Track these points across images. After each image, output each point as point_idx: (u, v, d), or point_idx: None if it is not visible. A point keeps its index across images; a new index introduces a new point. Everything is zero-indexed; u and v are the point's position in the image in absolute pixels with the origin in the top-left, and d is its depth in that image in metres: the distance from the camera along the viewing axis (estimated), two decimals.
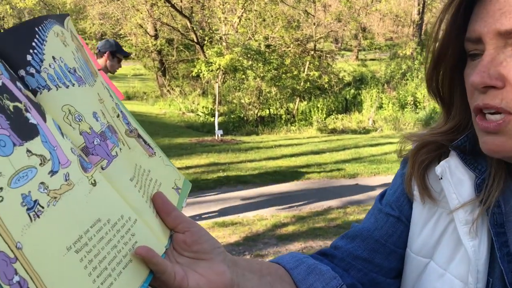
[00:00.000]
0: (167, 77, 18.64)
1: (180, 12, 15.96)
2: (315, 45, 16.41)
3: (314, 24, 16.26)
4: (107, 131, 0.60)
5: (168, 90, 17.72)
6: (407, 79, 17.11)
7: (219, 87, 12.36)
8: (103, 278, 0.50)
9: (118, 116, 0.66)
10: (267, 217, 5.21)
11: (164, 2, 15.89)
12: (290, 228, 4.84)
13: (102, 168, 0.56)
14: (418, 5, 23.31)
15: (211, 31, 17.08)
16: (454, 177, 0.70)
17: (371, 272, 0.82)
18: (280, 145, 10.14)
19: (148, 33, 18.00)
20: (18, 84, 0.49)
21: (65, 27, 0.62)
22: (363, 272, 0.82)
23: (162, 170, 0.71)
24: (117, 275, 0.52)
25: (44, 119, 0.50)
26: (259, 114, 14.67)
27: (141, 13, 16.94)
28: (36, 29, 0.54)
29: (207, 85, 17.20)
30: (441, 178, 0.71)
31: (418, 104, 15.35)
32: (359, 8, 18.16)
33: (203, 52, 16.32)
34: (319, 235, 4.63)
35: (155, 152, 0.72)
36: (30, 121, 0.47)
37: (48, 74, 0.53)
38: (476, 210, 0.68)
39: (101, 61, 3.77)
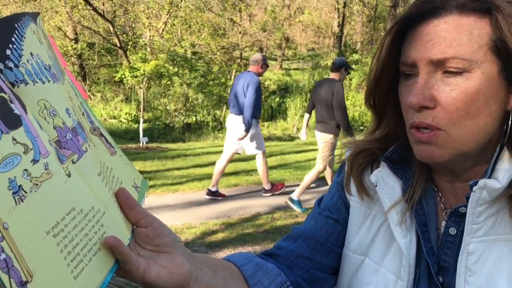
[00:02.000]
0: (88, 82, 17.93)
1: (102, 16, 15.46)
2: (241, 54, 16.60)
3: (240, 32, 16.45)
4: (78, 127, 0.63)
5: (88, 96, 17.05)
6: None
7: (143, 93, 12.09)
8: (76, 263, 0.53)
9: (83, 114, 0.68)
10: (196, 225, 5.16)
11: (85, 5, 15.31)
12: (220, 235, 4.83)
13: (73, 162, 0.59)
14: (338, 17, 24.33)
15: (135, 36, 16.70)
16: (386, 185, 0.81)
17: (312, 269, 0.90)
18: (207, 152, 10.09)
19: (67, 36, 17.23)
20: (2, 76, 0.51)
21: (38, 25, 0.62)
22: (305, 269, 0.90)
23: (123, 168, 0.74)
24: (88, 261, 0.56)
25: (25, 111, 0.52)
26: (185, 121, 14.53)
27: (60, 16, 16.19)
28: (16, 25, 0.55)
29: (130, 91, 16.77)
30: (376, 186, 0.82)
31: None
32: (283, 19, 18.66)
33: (127, 57, 15.90)
34: (248, 241, 4.66)
35: (116, 151, 0.74)
36: (14, 112, 0.50)
37: (26, 69, 0.55)
38: (404, 211, 0.79)
39: None
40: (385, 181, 0.82)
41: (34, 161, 0.50)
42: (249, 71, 5.87)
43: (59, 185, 0.54)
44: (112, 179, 0.68)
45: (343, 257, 0.91)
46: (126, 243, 0.63)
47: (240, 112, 5.78)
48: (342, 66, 5.59)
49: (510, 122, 0.73)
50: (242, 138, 5.80)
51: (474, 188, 0.71)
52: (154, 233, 0.66)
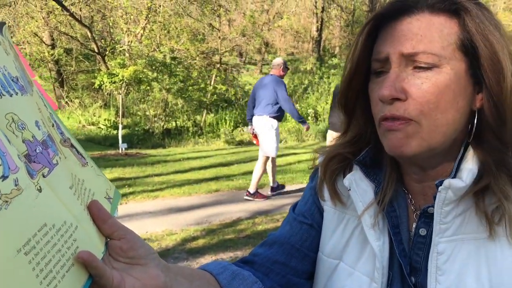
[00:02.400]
0: (66, 88, 17.69)
1: (79, 21, 15.26)
2: (220, 59, 16.57)
3: (219, 37, 16.43)
4: (48, 140, 0.62)
5: (66, 102, 16.81)
6: (308, 93, 17.87)
7: (122, 99, 11.98)
8: (49, 280, 0.52)
9: (53, 125, 0.67)
10: (177, 231, 5.12)
11: (62, 11, 15.11)
12: (200, 242, 4.80)
13: (44, 176, 0.58)
14: (317, 22, 24.52)
15: (113, 41, 16.54)
16: (359, 188, 0.83)
17: (288, 275, 0.91)
18: (188, 158, 10.04)
19: (44, 42, 16.97)
20: None
21: (4, 35, 0.61)
22: (281, 275, 0.91)
23: (95, 180, 0.72)
24: (61, 278, 0.54)
25: None
26: (165, 126, 14.43)
27: (36, 21, 15.94)
28: None
29: (109, 97, 16.59)
30: (349, 189, 0.83)
31: (318, 116, 16.09)
32: (262, 24, 18.70)
33: (105, 63, 15.74)
34: (230, 247, 4.64)
35: (87, 162, 0.73)
36: None
37: None
38: (377, 214, 0.81)
39: None
40: (358, 185, 0.83)
41: (3, 177, 0.49)
42: (271, 75, 6.21)
43: (30, 201, 0.53)
44: (84, 191, 0.67)
45: (318, 261, 0.92)
46: (99, 257, 0.62)
47: (263, 112, 6.09)
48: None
49: (475, 121, 0.75)
50: (270, 137, 6.09)
51: (439, 189, 0.73)
52: (128, 245, 0.66)
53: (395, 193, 0.84)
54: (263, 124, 6.16)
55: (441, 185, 0.73)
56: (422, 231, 0.79)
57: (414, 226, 0.81)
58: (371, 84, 0.79)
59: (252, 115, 6.35)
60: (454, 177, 0.75)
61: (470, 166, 0.74)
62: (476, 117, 0.75)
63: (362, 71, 0.80)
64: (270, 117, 6.11)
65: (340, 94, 0.84)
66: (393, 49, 0.73)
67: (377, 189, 0.83)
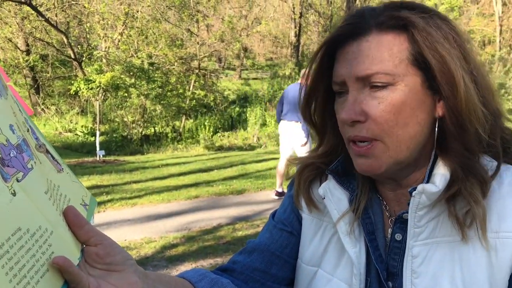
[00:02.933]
0: (41, 95, 17.39)
1: (55, 27, 15.03)
2: (199, 64, 16.52)
3: (198, 43, 16.39)
4: (23, 144, 0.61)
5: (42, 109, 16.53)
6: None
7: (99, 105, 11.83)
8: (23, 285, 0.51)
9: (28, 130, 0.66)
10: (156, 239, 5.06)
11: (37, 16, 14.87)
12: (180, 249, 4.75)
13: (18, 180, 0.57)
14: (295, 27, 24.68)
15: (90, 47, 16.34)
16: (334, 197, 0.85)
17: (267, 282, 0.91)
18: (167, 164, 9.95)
19: (18, 48, 16.67)
20: None
21: None
22: (261, 282, 0.91)
23: (70, 186, 0.71)
24: (35, 284, 0.54)
25: None
26: (143, 132, 14.30)
27: (11, 27, 15.66)
28: None
29: (86, 103, 16.37)
30: (324, 198, 0.85)
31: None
32: (240, 29, 18.72)
33: (82, 69, 15.54)
34: (210, 253, 4.60)
35: (63, 168, 0.72)
36: None
37: None
38: (352, 221, 0.83)
39: None
40: (332, 193, 0.85)
41: None
42: (299, 83, 6.46)
43: (4, 204, 0.52)
44: (60, 197, 0.66)
45: (297, 269, 0.92)
46: (75, 263, 0.61)
47: (292, 118, 6.40)
48: None
49: (437, 129, 0.77)
50: (306, 143, 6.36)
51: (413, 194, 0.75)
52: (105, 252, 0.64)
53: (370, 200, 0.85)
54: (292, 130, 6.48)
55: (414, 191, 0.75)
56: (398, 236, 0.81)
57: (390, 231, 0.83)
58: (336, 105, 0.81)
59: (280, 120, 6.71)
60: (427, 182, 0.77)
61: (442, 171, 0.76)
62: (437, 125, 0.77)
63: (321, 92, 0.84)
64: (296, 122, 6.43)
65: (302, 114, 0.88)
66: (347, 73, 0.76)
67: (351, 197, 0.84)
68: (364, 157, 0.77)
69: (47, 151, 0.70)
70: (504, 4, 24.40)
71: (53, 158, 0.70)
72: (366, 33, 0.75)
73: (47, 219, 0.59)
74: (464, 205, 0.74)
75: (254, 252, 0.93)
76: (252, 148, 13.71)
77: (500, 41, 23.50)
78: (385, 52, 0.74)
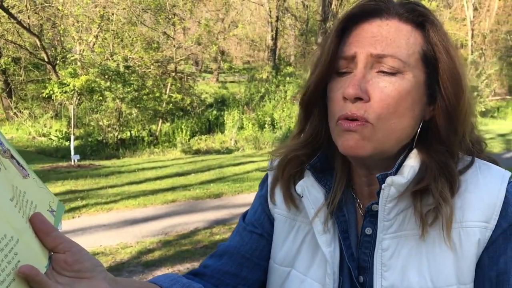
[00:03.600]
0: (14, 98, 17.03)
1: (28, 30, 14.74)
2: (176, 67, 16.43)
3: (174, 46, 16.29)
4: None
5: (15, 113, 16.18)
6: (265, 101, 17.98)
7: (74, 109, 11.63)
8: None
9: None
10: (132, 244, 4.99)
11: (8, 18, 14.55)
12: (157, 254, 4.70)
13: None
14: (272, 31, 24.77)
15: (64, 50, 16.07)
16: (311, 195, 0.84)
17: (239, 285, 0.91)
18: (143, 168, 9.85)
19: None
20: None
21: None
22: (231, 285, 0.90)
23: (37, 192, 0.70)
24: None
25: None
26: (119, 136, 14.12)
27: None
28: None
29: (60, 107, 16.09)
30: (302, 196, 0.84)
31: (275, 124, 16.19)
32: (217, 32, 18.71)
33: (56, 72, 15.27)
34: (187, 258, 4.57)
35: (28, 174, 0.70)
36: None
37: None
38: (327, 219, 0.83)
39: None
40: (310, 192, 0.84)
41: None
42: None
43: None
44: (26, 203, 0.64)
45: (270, 270, 0.92)
46: (42, 271, 0.60)
47: None
48: None
49: (419, 128, 0.78)
50: None
51: (383, 186, 0.75)
52: (74, 258, 0.63)
53: (345, 198, 0.85)
54: None
55: (383, 182, 0.75)
56: (368, 230, 0.82)
57: (360, 227, 0.83)
58: (332, 83, 0.78)
59: None
60: (396, 173, 0.77)
61: (411, 163, 0.76)
62: (420, 126, 0.78)
63: (329, 70, 0.79)
64: None
65: (308, 95, 0.83)
66: (362, 49, 0.74)
67: (327, 193, 0.84)
68: (353, 133, 0.74)
69: (12, 157, 0.68)
70: (475, 9, 24.99)
71: (19, 163, 0.69)
72: (388, 17, 0.76)
73: (13, 227, 0.58)
74: (430, 202, 0.75)
75: (225, 256, 0.92)
76: (229, 151, 13.69)
77: (472, 45, 24.05)
78: (402, 40, 0.74)
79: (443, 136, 0.76)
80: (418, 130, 0.78)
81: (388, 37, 0.74)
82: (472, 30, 24.28)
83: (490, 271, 0.75)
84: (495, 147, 12.08)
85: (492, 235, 0.75)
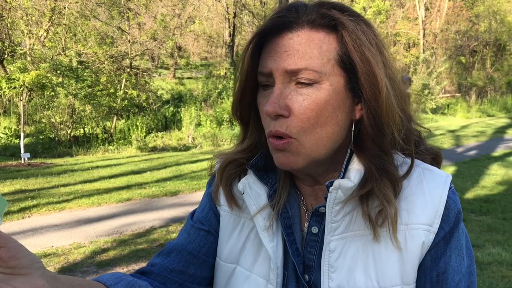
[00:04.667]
0: None
1: None
2: (131, 63, 16.10)
3: (129, 41, 15.96)
4: None
5: None
6: (223, 98, 17.93)
7: (24, 105, 11.20)
8: None
9: None
10: (85, 244, 4.87)
11: None
12: (111, 253, 4.60)
13: None
14: (229, 27, 24.71)
15: (12, 44, 15.43)
16: (253, 192, 0.85)
17: (186, 282, 0.91)
18: (97, 166, 9.61)
19: None
20: None
21: None
22: (179, 283, 0.90)
23: None
24: None
25: None
26: (72, 134, 13.71)
27: None
28: None
29: (9, 104, 15.46)
30: (243, 193, 0.85)
31: (233, 121, 16.16)
32: (174, 28, 18.46)
33: (3, 67, 14.65)
34: (142, 257, 4.49)
35: None
36: None
37: None
38: (270, 216, 0.84)
39: None
40: (251, 188, 0.85)
41: None
42: None
43: None
44: None
45: (216, 267, 0.92)
46: None
47: None
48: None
49: (353, 130, 0.80)
50: None
51: (330, 189, 0.77)
52: (9, 254, 0.61)
53: (288, 195, 0.86)
54: None
55: (331, 186, 0.76)
56: (314, 229, 0.83)
57: (306, 225, 0.85)
58: (259, 97, 0.81)
59: None
60: (343, 177, 0.79)
61: (357, 167, 0.78)
62: (354, 127, 0.80)
63: (251, 85, 0.81)
64: None
65: (233, 109, 0.86)
66: (276, 65, 0.75)
67: (270, 191, 0.85)
68: (281, 152, 0.77)
69: None
70: (426, 9, 25.82)
71: None
72: (298, 28, 0.75)
73: None
74: (377, 204, 0.77)
75: (172, 253, 0.92)
76: (187, 148, 13.57)
77: (423, 44, 24.85)
78: (314, 49, 0.74)
79: (373, 136, 0.78)
80: (353, 131, 0.80)
81: (299, 49, 0.74)
82: (424, 29, 25.09)
83: (432, 272, 0.79)
84: (445, 142, 12.54)
85: (435, 238, 0.78)
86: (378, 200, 0.77)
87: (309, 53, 0.74)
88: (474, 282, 0.81)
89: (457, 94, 22.65)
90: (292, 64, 0.74)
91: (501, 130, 15.15)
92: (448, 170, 8.66)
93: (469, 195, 6.83)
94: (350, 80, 0.76)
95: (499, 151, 11.03)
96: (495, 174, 8.29)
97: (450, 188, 0.81)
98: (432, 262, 0.79)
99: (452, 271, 0.79)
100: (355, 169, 0.78)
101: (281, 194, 0.85)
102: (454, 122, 17.32)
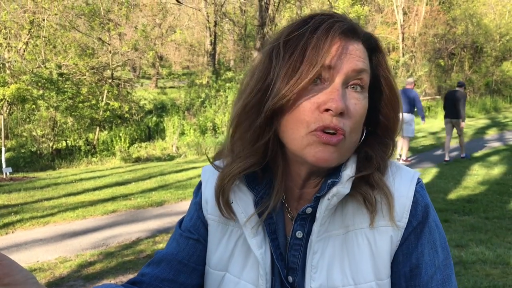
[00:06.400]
0: None
1: None
2: (112, 74, 16.02)
3: (110, 52, 15.88)
4: None
5: None
6: (206, 106, 17.91)
7: (4, 119, 11.05)
8: None
9: None
10: (71, 258, 4.81)
11: None
12: (98, 266, 4.56)
13: None
14: (210, 36, 24.74)
15: None
16: (241, 200, 0.86)
17: None
18: (81, 179, 9.52)
19: None
20: None
21: None
22: None
23: None
24: None
25: None
26: (54, 146, 13.56)
27: None
28: None
29: None
30: (232, 202, 0.86)
31: (217, 129, 16.17)
32: (155, 38, 18.44)
33: None
34: (129, 269, 4.46)
35: None
36: None
37: None
38: (258, 223, 0.85)
39: None
40: (239, 197, 0.86)
41: None
42: (407, 88, 9.92)
43: None
44: None
45: (206, 274, 0.93)
46: None
47: (407, 110, 9.66)
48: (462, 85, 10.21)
49: (362, 138, 0.84)
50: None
51: (328, 196, 0.79)
52: (3, 272, 0.62)
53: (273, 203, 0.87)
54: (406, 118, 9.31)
55: (327, 186, 0.79)
56: (299, 234, 0.84)
57: (291, 231, 0.86)
58: (307, 92, 0.77)
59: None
60: (335, 179, 0.81)
61: (349, 173, 0.81)
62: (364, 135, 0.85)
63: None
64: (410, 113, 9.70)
65: (278, 105, 0.78)
66: (342, 63, 0.76)
67: (256, 198, 0.86)
68: (329, 147, 0.76)
69: None
70: (404, 14, 26.21)
71: None
72: (358, 38, 0.80)
73: None
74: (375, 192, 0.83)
75: (162, 263, 0.93)
76: (171, 158, 13.51)
77: (403, 48, 25.20)
78: (366, 60, 0.80)
79: (381, 148, 0.85)
80: (361, 139, 0.84)
81: (361, 56, 0.79)
82: (403, 33, 25.45)
83: (404, 267, 0.82)
84: (427, 144, 12.71)
85: (404, 233, 0.81)
86: (355, 200, 0.82)
87: (365, 61, 0.80)
88: (451, 275, 0.83)
89: (437, 97, 22.96)
90: (360, 65, 0.78)
91: (481, 131, 15.42)
92: (430, 172, 8.78)
93: (452, 195, 6.94)
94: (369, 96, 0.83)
95: (480, 151, 11.23)
96: (476, 175, 8.43)
97: (418, 183, 0.84)
98: (404, 257, 0.82)
99: (425, 265, 0.81)
100: (347, 175, 0.80)
101: (268, 202, 0.84)
102: (436, 124, 17.56)
